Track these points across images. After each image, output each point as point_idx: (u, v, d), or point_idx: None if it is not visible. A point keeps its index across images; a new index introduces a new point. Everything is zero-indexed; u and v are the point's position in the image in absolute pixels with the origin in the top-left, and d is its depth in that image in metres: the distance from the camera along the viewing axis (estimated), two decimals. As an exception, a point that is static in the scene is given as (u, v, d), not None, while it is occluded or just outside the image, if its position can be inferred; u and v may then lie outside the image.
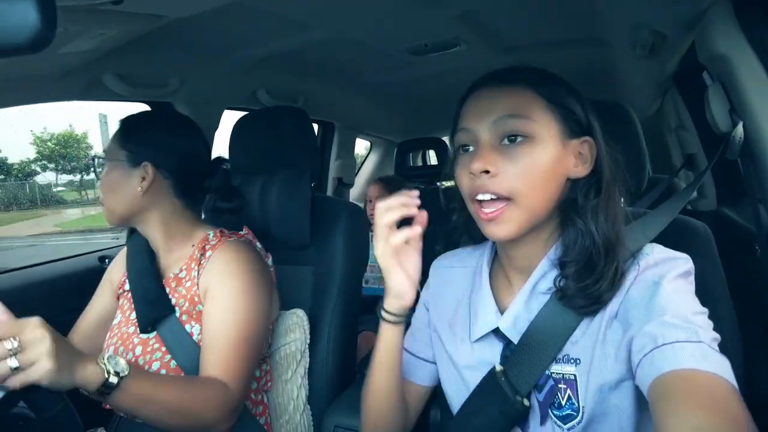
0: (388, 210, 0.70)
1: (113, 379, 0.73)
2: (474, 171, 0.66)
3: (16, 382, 0.66)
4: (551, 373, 0.69)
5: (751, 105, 0.92)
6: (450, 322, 0.82)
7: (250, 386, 0.94)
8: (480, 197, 0.67)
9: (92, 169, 1.04)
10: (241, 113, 1.59)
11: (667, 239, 0.82)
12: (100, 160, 1.03)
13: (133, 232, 1.12)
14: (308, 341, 1.15)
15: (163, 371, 0.95)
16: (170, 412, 0.82)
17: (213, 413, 0.86)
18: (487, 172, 0.66)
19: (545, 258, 0.71)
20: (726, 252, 0.92)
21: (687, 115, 1.95)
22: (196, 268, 1.00)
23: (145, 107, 1.58)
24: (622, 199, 0.80)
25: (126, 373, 0.75)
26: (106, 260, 1.57)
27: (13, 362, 0.65)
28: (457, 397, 0.79)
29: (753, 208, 1.06)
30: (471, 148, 0.70)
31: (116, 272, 1.14)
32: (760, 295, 1.13)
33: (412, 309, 0.89)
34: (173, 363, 0.95)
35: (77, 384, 0.71)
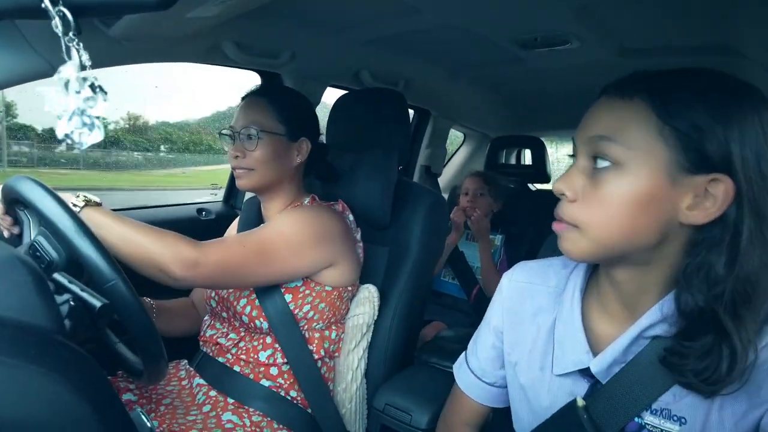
0: None
1: (78, 202, 0.89)
2: (554, 190, 0.61)
3: None
4: (645, 423, 0.62)
5: None
6: (529, 349, 0.74)
7: (229, 273, 0.96)
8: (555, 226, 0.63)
9: (252, 137, 1.09)
10: (340, 91, 1.65)
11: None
12: (253, 130, 1.09)
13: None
14: (376, 317, 1.18)
15: (248, 308, 1.05)
16: (126, 240, 0.89)
17: (164, 252, 0.90)
18: (565, 195, 0.61)
19: (657, 306, 0.60)
20: None
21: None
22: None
23: (255, 76, 1.68)
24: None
25: (92, 201, 0.91)
26: (203, 212, 1.71)
27: None
28: (526, 422, 0.75)
29: None
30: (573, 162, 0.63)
31: (232, 232, 1.29)
32: None
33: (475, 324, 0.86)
34: (257, 301, 1.05)
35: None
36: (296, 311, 1.05)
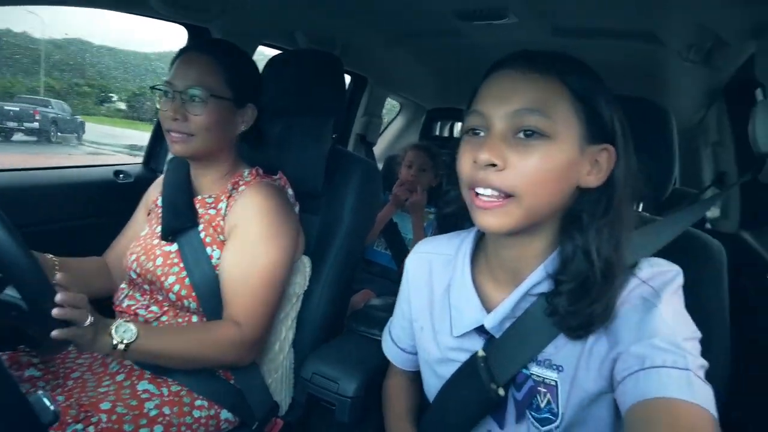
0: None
1: (121, 347, 0.83)
2: (480, 161, 0.62)
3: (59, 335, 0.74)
4: (531, 373, 0.69)
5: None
6: (430, 314, 0.81)
7: (268, 325, 1.02)
8: (480, 191, 0.63)
9: (198, 100, 0.99)
10: (275, 51, 1.57)
11: (680, 254, 0.80)
12: (200, 92, 0.99)
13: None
14: (306, 287, 1.17)
15: (177, 287, 0.99)
16: (183, 361, 0.93)
17: (226, 355, 0.96)
18: (494, 165, 0.61)
19: (541, 267, 0.68)
20: (735, 276, 0.90)
21: (728, 130, 1.88)
22: (225, 200, 1.04)
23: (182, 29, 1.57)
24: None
25: (133, 339, 0.84)
26: (121, 175, 1.59)
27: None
28: (433, 386, 0.81)
29: (774, 237, 1.03)
30: (481, 134, 0.65)
31: (152, 193, 1.19)
32: (756, 324, 1.12)
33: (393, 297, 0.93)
34: (188, 280, 1.00)
35: (92, 350, 0.85)
36: None
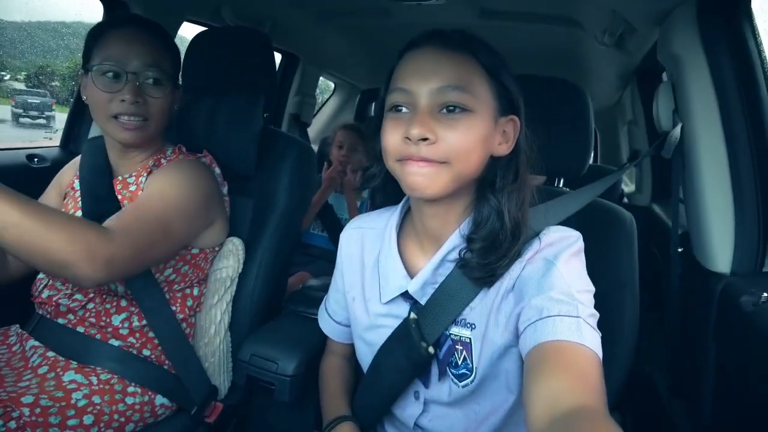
0: None
1: None
2: (413, 137, 0.65)
3: None
4: (450, 333, 0.74)
5: (691, 108, 0.96)
6: (361, 285, 0.85)
7: (136, 260, 0.85)
8: (412, 165, 0.67)
9: (157, 82, 0.96)
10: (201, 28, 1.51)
11: (593, 225, 0.87)
12: (160, 74, 0.96)
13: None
14: (240, 270, 1.15)
15: None
16: (19, 224, 0.70)
17: (74, 252, 0.74)
18: (426, 139, 0.65)
19: (457, 231, 0.74)
20: (647, 247, 0.99)
21: (641, 110, 2.03)
22: (146, 175, 1.01)
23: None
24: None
25: None
26: (35, 159, 1.49)
27: None
28: (366, 356, 0.84)
29: (673, 207, 1.13)
30: (405, 110, 0.69)
31: (67, 176, 1.12)
32: (661, 288, 1.23)
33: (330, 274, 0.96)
34: None
35: None
36: (156, 275, 0.98)
